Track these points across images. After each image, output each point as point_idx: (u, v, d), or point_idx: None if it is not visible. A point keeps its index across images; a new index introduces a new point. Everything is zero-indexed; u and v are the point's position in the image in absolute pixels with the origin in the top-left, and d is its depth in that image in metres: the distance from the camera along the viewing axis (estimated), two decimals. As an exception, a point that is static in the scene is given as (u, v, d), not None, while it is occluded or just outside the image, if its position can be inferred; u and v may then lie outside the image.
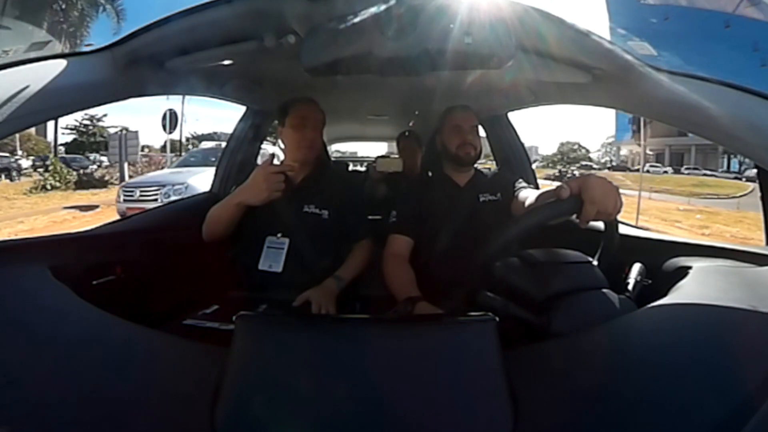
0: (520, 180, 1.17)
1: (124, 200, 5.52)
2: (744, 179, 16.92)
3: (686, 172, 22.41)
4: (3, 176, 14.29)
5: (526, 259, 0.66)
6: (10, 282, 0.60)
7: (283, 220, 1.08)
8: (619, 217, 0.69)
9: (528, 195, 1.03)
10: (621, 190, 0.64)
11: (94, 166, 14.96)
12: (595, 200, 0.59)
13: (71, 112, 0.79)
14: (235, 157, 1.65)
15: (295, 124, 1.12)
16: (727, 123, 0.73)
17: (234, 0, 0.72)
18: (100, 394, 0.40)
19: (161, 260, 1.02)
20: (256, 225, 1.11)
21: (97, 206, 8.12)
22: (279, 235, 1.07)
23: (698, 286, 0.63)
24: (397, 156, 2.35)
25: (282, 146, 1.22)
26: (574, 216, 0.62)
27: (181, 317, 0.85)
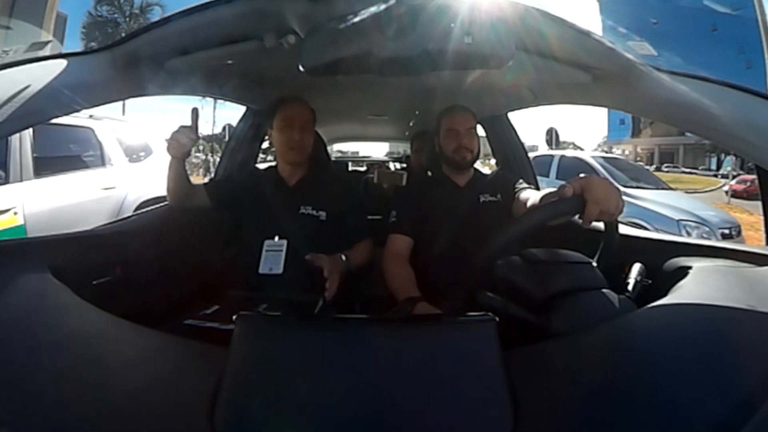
0: (521, 180, 1.17)
1: None
2: (719, 176, 17.13)
3: (666, 169, 23.00)
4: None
5: (527, 258, 0.66)
6: (10, 282, 0.60)
7: (279, 223, 1.08)
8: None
9: (529, 195, 1.03)
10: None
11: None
12: (598, 200, 0.59)
13: (71, 112, 0.79)
14: (235, 157, 1.65)
15: (281, 126, 1.11)
16: (727, 123, 0.73)
17: (234, 0, 0.72)
18: (99, 394, 0.40)
19: (161, 260, 1.02)
20: (253, 228, 1.11)
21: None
22: (276, 237, 1.07)
23: (698, 286, 0.63)
24: (398, 168, 2.29)
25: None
26: (576, 216, 0.62)
27: (181, 317, 0.85)
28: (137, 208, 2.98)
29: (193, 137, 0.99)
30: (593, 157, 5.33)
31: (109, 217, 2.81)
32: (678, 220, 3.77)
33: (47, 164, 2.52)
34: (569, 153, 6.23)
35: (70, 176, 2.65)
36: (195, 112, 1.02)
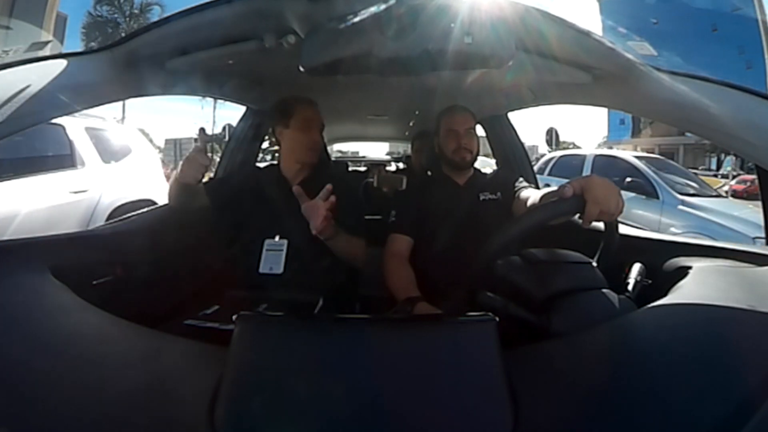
0: (521, 179, 1.17)
1: None
2: (719, 176, 17.11)
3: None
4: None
5: (527, 257, 0.66)
6: (10, 282, 0.60)
7: (280, 223, 1.08)
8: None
9: (530, 194, 1.03)
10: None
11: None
12: (598, 200, 0.59)
13: (71, 112, 0.79)
14: (235, 157, 1.65)
15: (302, 126, 1.11)
16: (727, 123, 0.73)
17: (234, 0, 0.72)
18: (100, 394, 0.40)
19: (161, 260, 1.02)
20: (254, 228, 1.10)
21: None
22: (277, 237, 1.07)
23: (698, 286, 0.63)
24: (396, 170, 2.30)
25: (278, 148, 1.21)
26: (576, 216, 0.62)
27: (181, 317, 0.85)
28: (112, 213, 2.72)
29: (206, 162, 0.95)
30: (637, 157, 4.36)
31: (79, 224, 2.52)
32: (754, 238, 2.96)
33: (8, 166, 2.26)
34: (605, 151, 5.32)
35: (34, 179, 2.38)
36: (203, 132, 0.97)
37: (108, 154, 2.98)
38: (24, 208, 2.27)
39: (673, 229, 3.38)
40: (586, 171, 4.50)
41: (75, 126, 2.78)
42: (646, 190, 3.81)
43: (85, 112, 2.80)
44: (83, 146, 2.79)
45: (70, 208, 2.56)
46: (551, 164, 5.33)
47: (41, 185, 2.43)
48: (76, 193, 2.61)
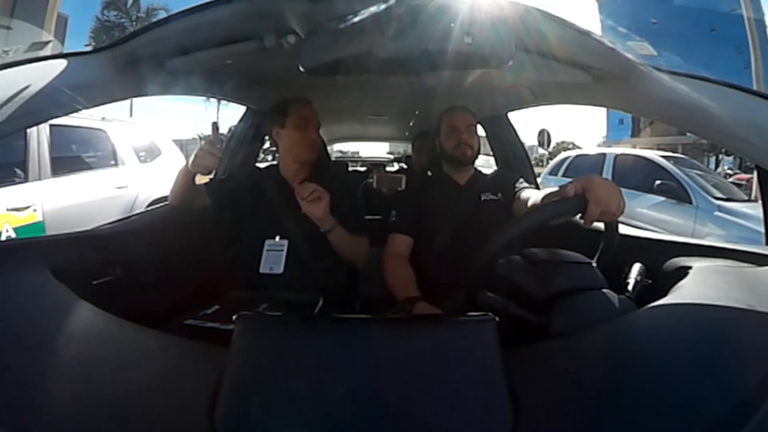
0: (521, 179, 1.17)
1: None
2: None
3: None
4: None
5: (528, 257, 0.66)
6: (10, 282, 0.60)
7: (281, 223, 1.08)
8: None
9: (530, 194, 1.03)
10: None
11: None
12: (599, 200, 0.59)
13: (71, 112, 0.79)
14: (235, 157, 1.65)
15: (298, 124, 1.12)
16: (727, 123, 0.73)
17: (234, 0, 0.72)
18: (99, 394, 0.40)
19: (161, 260, 1.02)
20: (254, 228, 1.11)
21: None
22: (277, 237, 1.07)
23: (698, 286, 0.63)
24: (399, 170, 2.30)
25: (276, 148, 1.22)
26: (577, 216, 0.62)
27: (181, 317, 0.85)
28: (148, 206, 3.01)
29: (218, 153, 1.02)
30: (664, 156, 3.91)
31: (122, 215, 2.86)
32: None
33: (64, 164, 2.67)
34: (628, 150, 4.71)
35: (85, 175, 2.82)
36: (215, 126, 1.05)
37: (143, 155, 3.45)
38: (82, 198, 2.70)
39: (710, 240, 2.73)
40: (607, 172, 4.12)
41: (115, 130, 3.26)
42: (678, 194, 3.49)
43: (122, 118, 3.41)
44: (122, 148, 3.25)
45: (116, 201, 3.01)
46: (566, 165, 4.99)
47: (93, 180, 2.88)
48: (119, 188, 3.07)
